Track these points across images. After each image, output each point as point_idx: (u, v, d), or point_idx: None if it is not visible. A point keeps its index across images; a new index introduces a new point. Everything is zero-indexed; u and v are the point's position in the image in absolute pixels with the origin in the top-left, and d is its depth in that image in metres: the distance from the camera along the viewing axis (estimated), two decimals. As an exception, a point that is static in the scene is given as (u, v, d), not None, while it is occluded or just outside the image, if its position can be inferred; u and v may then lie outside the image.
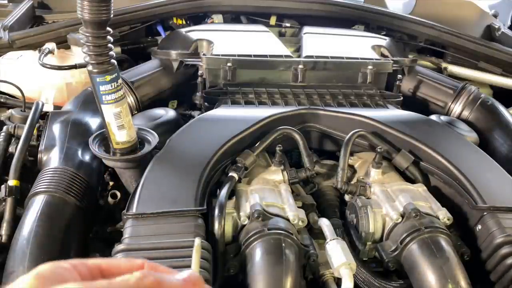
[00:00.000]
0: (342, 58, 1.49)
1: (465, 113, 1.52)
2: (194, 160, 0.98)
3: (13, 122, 1.29)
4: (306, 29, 1.83)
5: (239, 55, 1.43)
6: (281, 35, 1.99)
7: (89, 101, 1.25)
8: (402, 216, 0.93)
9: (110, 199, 1.13)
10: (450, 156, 1.06)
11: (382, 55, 1.67)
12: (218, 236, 0.85)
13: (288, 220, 0.88)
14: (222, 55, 1.43)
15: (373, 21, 1.99)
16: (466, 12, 2.22)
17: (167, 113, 1.31)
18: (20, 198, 1.04)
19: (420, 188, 1.03)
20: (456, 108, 1.54)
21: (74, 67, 1.46)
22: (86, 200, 1.02)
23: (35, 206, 0.94)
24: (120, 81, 0.94)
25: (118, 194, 1.13)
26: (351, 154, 1.14)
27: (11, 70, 1.53)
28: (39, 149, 1.12)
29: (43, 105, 1.26)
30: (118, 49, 1.79)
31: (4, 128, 1.24)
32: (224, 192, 0.92)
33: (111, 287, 0.33)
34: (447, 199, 1.05)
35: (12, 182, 1.06)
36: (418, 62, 1.75)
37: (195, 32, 1.67)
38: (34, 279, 0.32)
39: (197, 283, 0.36)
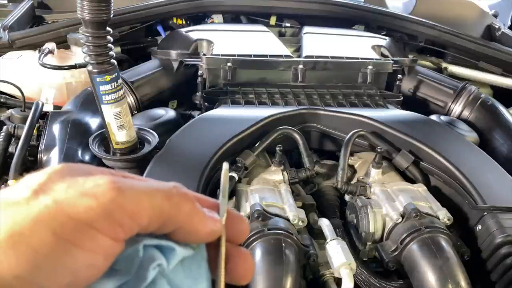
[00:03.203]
0: (342, 58, 1.49)
1: (465, 113, 1.52)
2: (194, 160, 0.97)
3: (13, 122, 1.29)
4: (306, 29, 1.83)
5: (239, 55, 1.43)
6: (281, 35, 1.99)
7: (89, 101, 1.25)
8: (402, 216, 0.93)
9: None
10: (450, 156, 1.05)
11: (382, 55, 1.67)
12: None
13: (288, 220, 0.88)
14: (222, 55, 1.43)
15: (373, 21, 1.99)
16: (466, 12, 2.22)
17: (167, 113, 1.31)
18: (20, 198, 1.04)
19: (420, 188, 1.03)
20: (456, 108, 1.54)
21: (74, 67, 1.46)
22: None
23: (35, 206, 0.94)
24: (120, 81, 0.94)
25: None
26: (351, 154, 1.14)
27: (11, 70, 1.53)
28: (39, 149, 1.12)
29: (43, 105, 1.26)
30: (118, 49, 1.78)
31: (4, 128, 1.24)
32: (224, 192, 0.92)
33: (145, 186, 0.30)
34: (447, 199, 1.05)
35: (12, 182, 1.06)
36: (418, 62, 1.75)
37: (195, 32, 1.67)
38: (62, 166, 0.30)
39: (217, 221, 0.33)
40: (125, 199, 0.28)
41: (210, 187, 0.97)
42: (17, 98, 1.48)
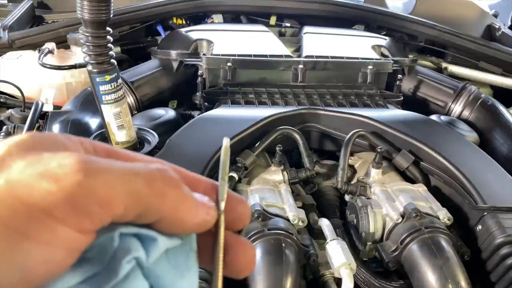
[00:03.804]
0: (342, 58, 1.49)
1: (466, 113, 1.52)
2: (194, 160, 0.97)
3: (13, 122, 1.29)
4: (306, 29, 1.83)
5: (239, 55, 1.43)
6: (281, 35, 1.99)
7: (89, 101, 1.25)
8: (403, 216, 0.93)
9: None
10: (450, 156, 1.05)
11: (382, 55, 1.67)
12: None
13: (288, 220, 0.88)
14: (222, 55, 1.43)
15: (373, 21, 1.99)
16: (467, 12, 2.22)
17: (167, 113, 1.30)
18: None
19: (420, 188, 1.03)
20: (457, 108, 1.53)
21: (74, 67, 1.46)
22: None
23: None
24: (119, 81, 0.94)
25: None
26: (351, 154, 1.14)
27: (11, 70, 1.53)
28: (38, 149, 1.12)
29: (42, 105, 1.26)
30: (118, 49, 1.78)
31: (4, 128, 1.24)
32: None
33: (122, 167, 0.25)
34: (447, 199, 1.05)
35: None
36: (418, 62, 1.75)
37: (195, 32, 1.67)
38: (28, 137, 0.25)
39: (210, 209, 0.29)
40: (94, 183, 0.23)
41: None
42: (17, 98, 1.48)
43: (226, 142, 0.31)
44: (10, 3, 2.13)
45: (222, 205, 0.30)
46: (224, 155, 0.31)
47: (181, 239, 0.29)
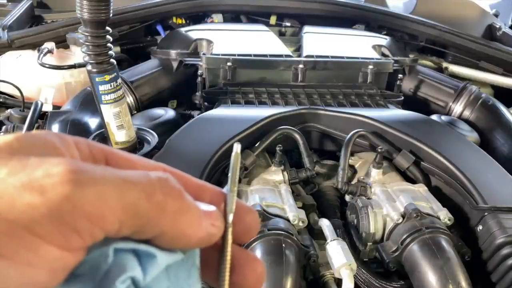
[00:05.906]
0: (343, 57, 1.49)
1: (466, 113, 1.51)
2: (194, 160, 0.97)
3: (12, 122, 1.28)
4: (307, 28, 1.83)
5: (239, 55, 1.43)
6: (281, 34, 1.99)
7: (88, 101, 1.25)
8: (403, 216, 0.92)
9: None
10: (451, 156, 1.05)
11: (383, 54, 1.66)
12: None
13: (288, 220, 0.88)
14: (222, 54, 1.43)
15: (373, 21, 1.99)
16: (467, 12, 2.22)
17: (167, 113, 1.30)
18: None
19: (421, 188, 1.03)
20: (457, 108, 1.53)
21: (73, 66, 1.45)
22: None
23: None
24: (119, 80, 0.94)
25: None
26: (352, 154, 1.13)
27: (10, 70, 1.53)
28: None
29: (42, 104, 1.25)
30: (118, 48, 1.78)
31: (3, 128, 1.24)
32: (224, 192, 0.92)
33: (117, 177, 0.23)
34: (448, 199, 1.05)
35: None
36: (419, 62, 1.75)
37: (194, 32, 1.66)
38: (13, 139, 0.23)
39: (217, 220, 0.26)
40: (84, 195, 0.21)
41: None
42: (16, 98, 1.48)
43: (236, 148, 0.28)
44: (10, 3, 2.12)
45: (230, 217, 0.27)
46: (235, 163, 0.28)
47: (183, 253, 0.27)
